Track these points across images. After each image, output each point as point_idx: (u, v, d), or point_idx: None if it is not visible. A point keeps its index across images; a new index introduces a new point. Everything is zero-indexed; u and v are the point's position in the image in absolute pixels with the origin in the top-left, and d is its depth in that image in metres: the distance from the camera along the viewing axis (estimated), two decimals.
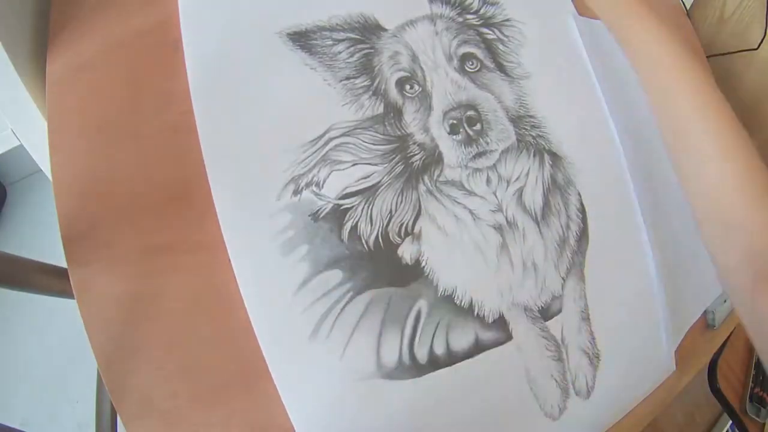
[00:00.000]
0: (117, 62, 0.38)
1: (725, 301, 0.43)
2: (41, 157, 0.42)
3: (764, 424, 0.49)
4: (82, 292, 0.34)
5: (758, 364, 0.49)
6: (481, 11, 0.41)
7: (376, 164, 0.35)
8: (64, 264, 0.34)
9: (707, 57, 0.52)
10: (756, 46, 0.46)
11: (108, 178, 0.35)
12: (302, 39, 0.37)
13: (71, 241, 0.34)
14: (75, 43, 0.39)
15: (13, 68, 0.38)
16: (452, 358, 0.34)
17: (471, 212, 0.36)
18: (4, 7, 0.38)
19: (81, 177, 0.36)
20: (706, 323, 0.44)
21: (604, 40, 0.42)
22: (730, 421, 0.50)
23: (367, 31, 0.38)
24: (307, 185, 0.34)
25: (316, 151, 0.34)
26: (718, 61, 0.53)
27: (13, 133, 0.44)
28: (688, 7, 0.53)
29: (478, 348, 0.34)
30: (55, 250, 0.34)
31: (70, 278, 0.34)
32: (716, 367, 0.45)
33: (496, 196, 0.36)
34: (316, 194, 0.34)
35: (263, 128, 0.35)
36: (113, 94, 0.37)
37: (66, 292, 0.36)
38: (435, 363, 0.34)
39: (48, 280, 0.38)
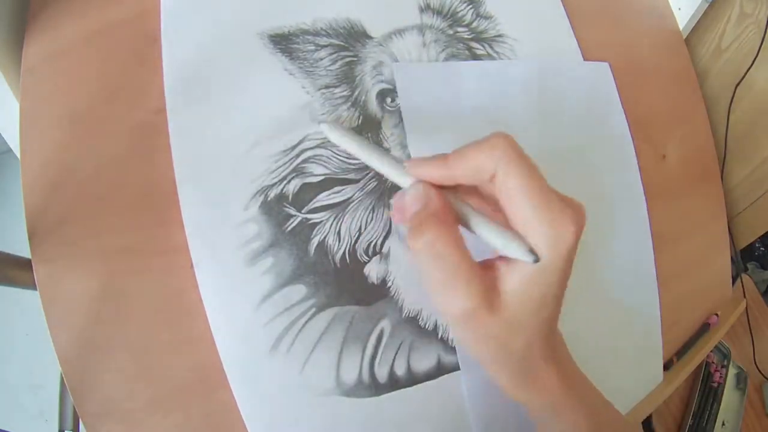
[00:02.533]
0: (93, 52, 0.37)
1: None
2: (12, 137, 0.41)
3: None
4: (46, 287, 0.34)
5: (697, 413, 0.50)
6: (473, 24, 0.40)
7: (348, 179, 0.34)
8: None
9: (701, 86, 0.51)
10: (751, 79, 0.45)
11: (77, 174, 0.35)
12: (284, 42, 0.36)
13: (37, 236, 0.34)
14: (53, 29, 0.38)
15: None
16: (413, 378, 0.34)
17: None
18: None
19: (50, 170, 0.35)
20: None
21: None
22: None
23: (351, 38, 0.37)
24: (276, 196, 0.33)
25: (287, 162, 0.33)
26: (714, 88, 0.52)
27: None
28: (685, 35, 0.52)
29: (439, 370, 0.34)
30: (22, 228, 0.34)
31: (34, 273, 0.34)
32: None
33: None
34: (285, 206, 0.33)
35: (236, 134, 0.34)
36: (87, 86, 0.36)
37: (35, 285, 0.36)
38: (395, 383, 0.33)
39: (16, 272, 0.38)
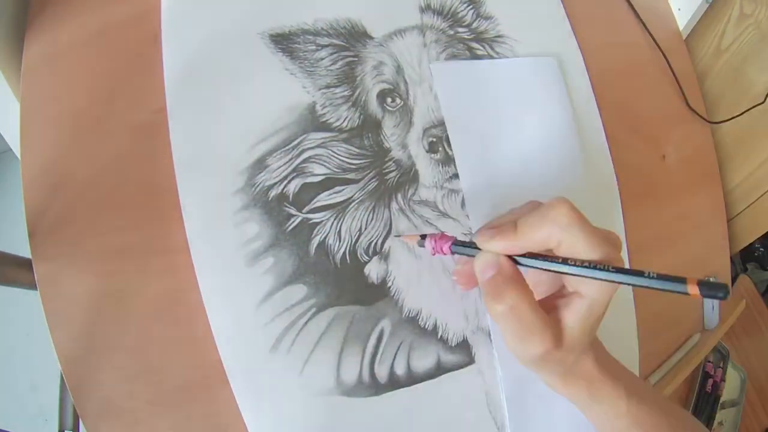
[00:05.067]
0: (94, 52, 0.37)
1: None
2: (12, 137, 0.41)
3: None
4: (46, 287, 0.34)
5: (695, 413, 0.50)
6: (474, 25, 0.40)
7: (349, 179, 0.34)
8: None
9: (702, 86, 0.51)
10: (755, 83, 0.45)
11: (77, 173, 0.35)
12: (284, 41, 0.36)
13: (37, 235, 0.34)
14: (53, 29, 0.38)
15: None
16: (412, 378, 0.34)
17: None
18: None
19: (50, 170, 0.35)
20: None
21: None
22: None
23: (352, 38, 0.37)
24: (277, 196, 0.33)
25: (288, 162, 0.33)
26: (714, 88, 0.52)
27: None
28: (685, 36, 0.52)
29: (439, 370, 0.34)
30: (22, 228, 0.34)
31: (35, 272, 0.34)
32: None
33: (470, 219, 0.36)
34: (285, 206, 0.33)
35: (236, 133, 0.34)
36: (88, 86, 0.36)
37: (34, 285, 0.36)
38: (395, 382, 0.33)
39: (16, 272, 0.38)
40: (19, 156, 0.35)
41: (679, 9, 0.52)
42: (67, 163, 0.35)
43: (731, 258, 0.53)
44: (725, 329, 0.49)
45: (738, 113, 0.49)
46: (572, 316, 0.24)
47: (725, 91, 0.51)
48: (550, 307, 0.25)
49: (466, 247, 0.25)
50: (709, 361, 0.53)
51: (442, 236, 0.26)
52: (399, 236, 0.30)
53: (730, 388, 0.55)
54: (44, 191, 0.35)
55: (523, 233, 0.23)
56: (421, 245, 0.28)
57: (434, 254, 0.27)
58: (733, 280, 0.57)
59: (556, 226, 0.22)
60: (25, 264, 0.37)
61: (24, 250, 0.36)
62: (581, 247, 0.22)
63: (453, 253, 0.26)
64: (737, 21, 0.48)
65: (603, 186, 0.43)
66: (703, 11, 0.50)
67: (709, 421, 0.51)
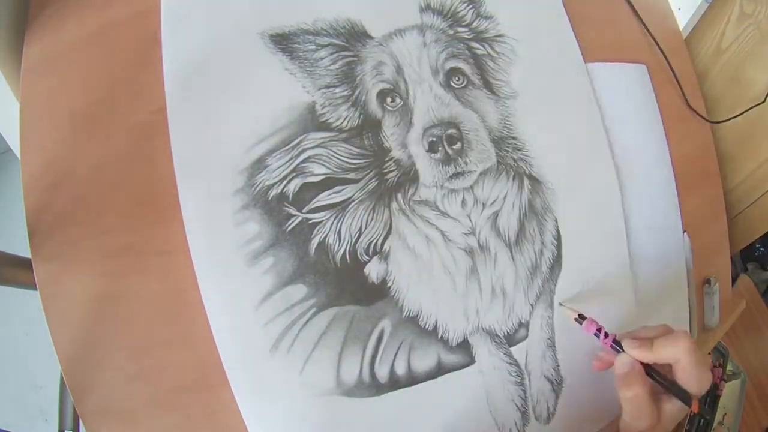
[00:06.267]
0: (93, 52, 0.37)
1: None
2: (12, 137, 0.41)
3: None
4: (46, 287, 0.34)
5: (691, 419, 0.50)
6: (474, 24, 0.40)
7: (349, 179, 0.34)
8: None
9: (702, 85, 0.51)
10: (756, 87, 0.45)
11: (77, 173, 0.35)
12: (284, 42, 0.36)
13: (37, 235, 0.34)
14: (53, 29, 0.38)
15: None
16: (413, 378, 0.34)
17: (443, 234, 0.35)
18: None
19: (50, 170, 0.35)
20: None
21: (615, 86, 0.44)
22: None
23: (352, 38, 0.37)
24: (277, 196, 0.33)
25: (288, 161, 0.33)
26: (714, 88, 0.52)
27: None
28: (685, 35, 0.52)
29: (439, 370, 0.34)
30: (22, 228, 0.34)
31: (35, 272, 0.34)
32: None
33: (470, 219, 0.36)
34: (285, 206, 0.33)
35: (236, 133, 0.34)
36: (87, 86, 0.36)
37: (34, 285, 0.36)
38: (395, 383, 0.33)
39: (16, 272, 0.38)
40: (19, 156, 0.35)
41: (679, 9, 0.52)
42: (67, 163, 0.35)
43: (731, 258, 0.53)
44: (725, 329, 0.49)
45: (738, 113, 0.49)
46: (670, 409, 0.33)
47: (725, 90, 0.51)
48: (656, 396, 0.34)
49: (618, 345, 0.35)
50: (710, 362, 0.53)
51: (604, 332, 0.35)
52: (562, 305, 0.38)
53: (730, 388, 0.55)
54: (44, 191, 0.35)
55: (657, 351, 0.33)
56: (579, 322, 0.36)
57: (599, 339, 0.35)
58: (733, 280, 0.57)
59: (681, 350, 0.32)
60: (25, 264, 0.37)
61: (24, 250, 0.36)
62: (690, 368, 0.32)
63: (610, 346, 0.35)
64: (737, 21, 0.48)
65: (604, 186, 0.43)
66: (703, 11, 0.50)
67: (709, 421, 0.51)
